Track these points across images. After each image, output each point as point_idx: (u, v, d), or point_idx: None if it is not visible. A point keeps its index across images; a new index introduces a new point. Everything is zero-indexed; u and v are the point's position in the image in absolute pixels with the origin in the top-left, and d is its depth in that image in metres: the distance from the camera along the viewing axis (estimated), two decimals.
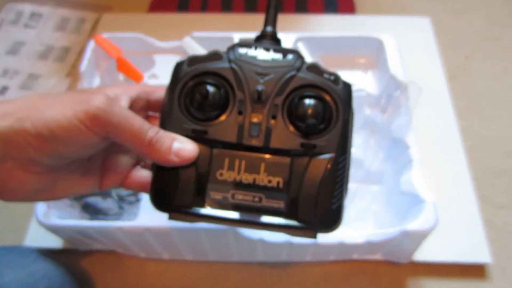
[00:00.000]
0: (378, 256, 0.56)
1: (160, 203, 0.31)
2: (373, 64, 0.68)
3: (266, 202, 0.30)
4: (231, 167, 0.31)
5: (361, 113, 0.62)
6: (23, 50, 0.82)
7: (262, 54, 0.32)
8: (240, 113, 0.31)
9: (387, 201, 0.58)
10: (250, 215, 0.30)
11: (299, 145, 0.30)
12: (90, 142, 0.29)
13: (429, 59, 0.76)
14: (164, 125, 0.31)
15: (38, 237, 0.58)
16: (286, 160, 0.31)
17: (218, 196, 0.30)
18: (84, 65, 0.62)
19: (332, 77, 0.31)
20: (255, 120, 0.31)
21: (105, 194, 0.55)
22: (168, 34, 0.68)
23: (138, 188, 0.34)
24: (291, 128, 0.31)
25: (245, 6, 0.88)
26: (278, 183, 0.30)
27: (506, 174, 0.64)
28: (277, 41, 0.35)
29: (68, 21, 0.87)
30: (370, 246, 0.51)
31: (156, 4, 0.89)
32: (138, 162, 0.35)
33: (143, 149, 0.29)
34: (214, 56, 0.32)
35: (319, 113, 0.30)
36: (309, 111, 0.30)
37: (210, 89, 0.31)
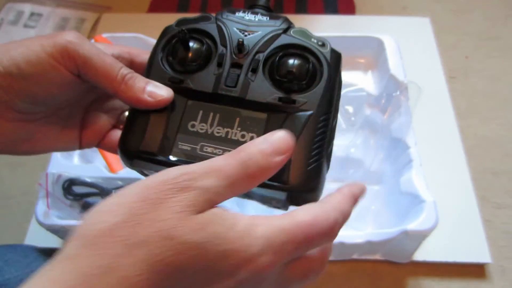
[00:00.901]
0: (378, 256, 0.56)
1: (126, 149, 0.30)
2: (373, 64, 0.68)
3: None
4: (204, 119, 0.30)
5: (361, 113, 0.62)
6: None
7: (249, 16, 0.32)
8: (219, 65, 0.30)
9: (387, 201, 0.58)
10: None
11: (276, 99, 0.29)
12: (62, 79, 0.28)
13: (429, 59, 0.76)
14: (145, 76, 0.31)
15: (38, 237, 0.58)
16: (262, 115, 0.29)
17: (186, 147, 0.29)
18: None
19: (320, 42, 0.31)
20: (233, 72, 0.30)
21: (105, 194, 0.55)
22: None
23: (114, 149, 0.33)
24: (271, 82, 0.30)
25: (245, 7, 0.88)
26: (252, 138, 0.29)
27: (506, 174, 0.64)
28: (269, 11, 0.34)
29: (68, 21, 0.87)
30: (370, 246, 0.51)
31: (156, 4, 0.89)
32: (118, 125, 0.35)
33: (115, 86, 0.28)
34: (203, 17, 0.32)
35: (301, 71, 0.29)
36: (291, 68, 0.29)
37: (192, 43, 0.30)
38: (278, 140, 0.25)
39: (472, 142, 0.67)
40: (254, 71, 0.30)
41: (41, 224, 0.50)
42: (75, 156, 0.60)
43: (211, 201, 0.23)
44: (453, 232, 0.57)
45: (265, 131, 0.28)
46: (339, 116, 0.60)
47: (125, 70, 0.29)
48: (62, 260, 0.21)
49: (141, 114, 0.30)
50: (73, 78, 0.28)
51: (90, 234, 0.21)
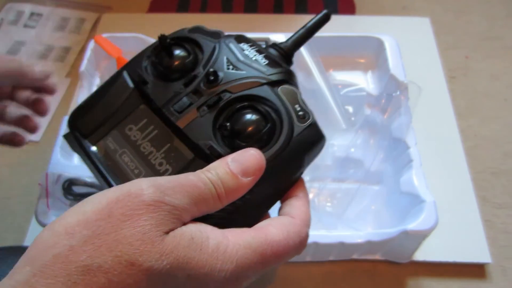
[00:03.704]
0: (378, 256, 0.55)
1: (71, 119, 0.30)
2: (373, 64, 0.68)
3: None
4: (142, 129, 0.28)
5: (361, 113, 0.62)
6: (23, 50, 0.82)
7: (250, 52, 0.29)
8: (186, 85, 0.28)
9: (387, 201, 0.58)
10: (117, 181, 0.27)
11: (208, 146, 0.26)
12: None
13: (429, 59, 0.76)
14: (127, 63, 0.31)
15: None
16: (189, 155, 0.27)
17: (112, 145, 0.28)
18: (84, 65, 0.62)
19: (301, 113, 0.27)
20: (190, 98, 0.28)
21: None
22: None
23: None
24: (217, 128, 0.27)
25: (245, 7, 0.88)
26: (165, 171, 0.27)
27: (506, 174, 0.64)
28: (287, 59, 0.31)
29: (68, 21, 0.87)
30: (370, 246, 0.51)
31: (156, 4, 0.89)
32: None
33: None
34: (215, 33, 0.31)
35: (251, 132, 0.26)
36: (242, 123, 0.26)
37: (178, 50, 0.29)
38: (248, 160, 0.24)
39: (472, 142, 0.67)
40: (210, 107, 0.27)
41: (41, 224, 0.50)
42: (75, 156, 0.60)
43: (180, 219, 0.21)
44: (453, 232, 0.57)
45: (180, 170, 0.27)
46: (339, 116, 0.60)
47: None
48: None
49: (99, 93, 0.30)
50: None
51: (44, 260, 0.19)
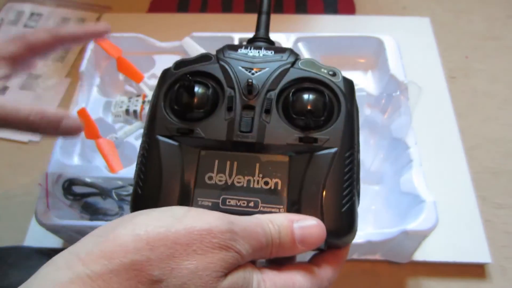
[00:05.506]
0: (378, 256, 0.55)
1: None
2: (373, 64, 0.68)
3: (263, 208, 0.27)
4: (221, 170, 0.28)
5: (361, 113, 0.62)
6: None
7: (253, 52, 0.30)
8: (229, 109, 0.28)
9: (387, 201, 0.58)
10: None
11: (297, 140, 0.27)
12: None
13: (429, 59, 0.76)
14: (147, 129, 0.29)
15: (38, 237, 0.58)
16: (284, 158, 0.28)
17: (207, 202, 0.27)
18: (84, 65, 0.62)
19: (330, 72, 0.29)
20: (246, 114, 0.28)
21: (105, 194, 0.55)
22: (168, 34, 0.68)
23: None
24: (288, 122, 0.28)
25: (245, 6, 0.88)
26: (276, 184, 0.27)
27: (506, 174, 0.64)
28: (270, 43, 0.33)
29: (68, 21, 0.87)
30: (370, 246, 0.51)
31: (156, 4, 0.89)
32: None
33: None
34: (202, 58, 0.30)
35: (318, 106, 0.28)
36: (307, 104, 0.28)
37: (197, 87, 0.29)
38: (312, 232, 0.26)
39: (472, 142, 0.67)
40: (268, 111, 0.28)
41: (41, 224, 0.50)
42: (75, 156, 0.60)
43: (239, 263, 0.24)
44: (453, 232, 0.57)
45: (289, 175, 0.27)
46: None
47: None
48: (86, 278, 0.21)
49: (151, 171, 0.28)
50: None
51: (123, 261, 0.21)
